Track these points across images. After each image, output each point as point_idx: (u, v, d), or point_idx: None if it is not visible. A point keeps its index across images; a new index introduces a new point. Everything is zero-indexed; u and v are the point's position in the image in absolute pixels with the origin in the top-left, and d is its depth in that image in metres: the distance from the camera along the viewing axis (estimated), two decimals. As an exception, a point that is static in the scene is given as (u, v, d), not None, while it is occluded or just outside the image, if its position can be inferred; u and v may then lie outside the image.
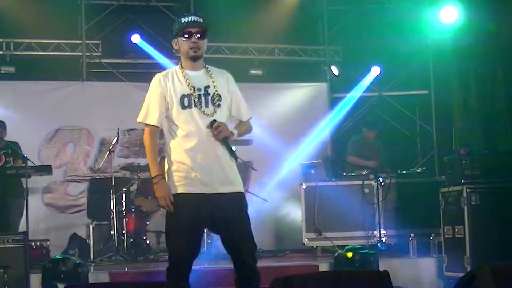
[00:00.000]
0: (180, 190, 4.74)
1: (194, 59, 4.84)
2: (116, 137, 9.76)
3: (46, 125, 10.79)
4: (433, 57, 11.73)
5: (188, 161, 4.72)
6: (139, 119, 4.89)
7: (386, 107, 12.13)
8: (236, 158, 4.84)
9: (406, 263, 8.15)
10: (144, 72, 11.86)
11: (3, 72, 11.06)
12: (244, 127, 5.05)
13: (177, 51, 4.95)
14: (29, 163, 8.90)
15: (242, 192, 4.88)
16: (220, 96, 4.83)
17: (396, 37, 11.80)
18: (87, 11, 11.38)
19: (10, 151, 9.16)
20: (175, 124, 4.78)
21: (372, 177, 9.44)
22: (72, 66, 11.49)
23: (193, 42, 4.80)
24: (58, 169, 10.54)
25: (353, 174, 9.75)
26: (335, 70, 12.00)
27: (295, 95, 11.82)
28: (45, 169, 9.40)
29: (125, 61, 11.91)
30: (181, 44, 4.86)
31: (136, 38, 11.37)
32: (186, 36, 4.81)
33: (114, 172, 9.90)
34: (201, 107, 4.75)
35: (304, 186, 9.38)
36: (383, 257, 8.14)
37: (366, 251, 7.64)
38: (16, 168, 8.98)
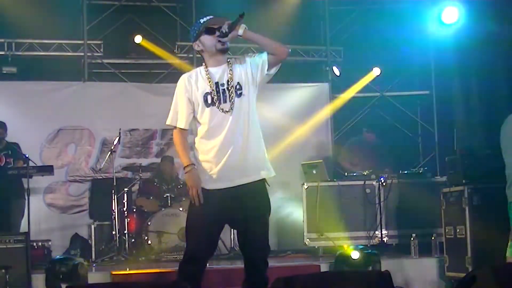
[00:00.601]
0: (206, 186, 4.79)
1: (222, 51, 4.89)
2: (118, 137, 9.77)
3: (47, 125, 10.80)
4: (434, 57, 11.72)
5: (213, 159, 4.79)
6: (168, 121, 4.97)
7: (387, 107, 12.11)
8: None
9: (407, 263, 8.14)
10: (146, 72, 11.90)
11: (4, 72, 11.05)
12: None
13: (200, 52, 4.99)
14: (31, 163, 8.94)
15: (263, 179, 4.90)
16: (240, 84, 4.86)
17: (397, 37, 11.79)
18: (88, 11, 11.38)
19: (10, 152, 9.18)
20: (199, 123, 4.85)
21: (373, 177, 9.45)
22: (73, 66, 11.49)
23: (218, 35, 4.84)
24: (59, 169, 10.54)
25: (354, 174, 9.75)
26: (336, 70, 11.99)
27: (296, 95, 11.82)
28: (47, 169, 9.42)
29: (126, 61, 11.90)
30: (206, 41, 4.89)
31: (138, 39, 11.37)
32: (211, 31, 4.86)
33: (115, 172, 9.91)
34: (220, 104, 4.79)
35: (305, 186, 9.38)
36: (385, 257, 8.14)
37: (368, 251, 7.63)
38: (18, 168, 9.00)
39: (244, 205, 4.78)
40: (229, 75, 4.86)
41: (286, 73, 12.38)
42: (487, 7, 9.67)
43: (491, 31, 9.49)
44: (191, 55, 11.63)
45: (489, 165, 7.49)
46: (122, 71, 11.58)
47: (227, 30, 4.80)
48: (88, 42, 11.35)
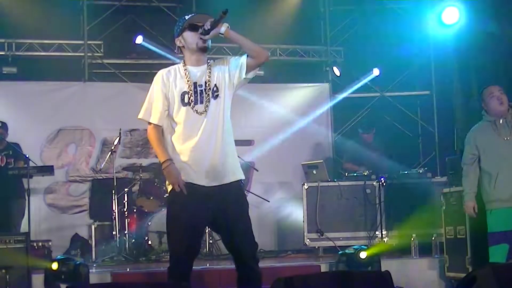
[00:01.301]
0: (186, 180, 4.74)
1: (203, 50, 4.85)
2: (118, 138, 9.76)
3: (48, 126, 10.80)
4: (435, 58, 11.73)
5: (186, 159, 4.73)
6: (140, 115, 4.91)
7: (388, 108, 12.11)
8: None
9: (407, 264, 8.15)
10: (146, 73, 11.85)
11: (5, 72, 11.05)
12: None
13: (181, 48, 4.96)
14: (31, 164, 8.94)
15: (239, 180, 4.87)
16: (217, 87, 4.82)
17: (398, 37, 11.80)
18: (89, 11, 11.38)
19: (11, 153, 9.17)
20: (175, 121, 4.79)
21: (374, 178, 9.45)
22: (74, 66, 11.48)
23: (200, 32, 4.81)
24: (60, 170, 10.56)
25: (354, 174, 9.75)
26: (336, 70, 12.00)
27: (296, 96, 11.82)
28: (47, 170, 9.42)
29: (127, 61, 11.90)
30: (188, 38, 4.87)
31: (139, 40, 11.37)
32: (193, 28, 4.83)
33: (116, 172, 9.91)
34: (195, 104, 4.75)
35: (306, 186, 9.38)
36: (385, 257, 8.14)
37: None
38: (18, 168, 9.00)
39: (224, 205, 4.74)
40: (208, 76, 4.82)
41: (286, 74, 12.47)
42: (487, 7, 9.68)
43: (491, 31, 9.50)
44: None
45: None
46: (123, 71, 11.58)
47: (209, 27, 4.74)
48: (89, 42, 11.35)
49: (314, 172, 9.61)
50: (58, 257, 7.34)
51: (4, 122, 9.36)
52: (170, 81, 4.84)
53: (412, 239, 8.46)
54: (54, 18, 11.10)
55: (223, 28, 4.79)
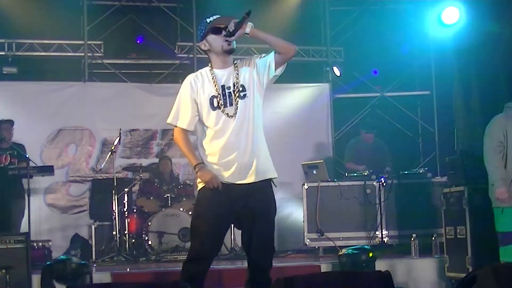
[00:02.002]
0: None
1: (228, 52, 4.87)
2: (118, 138, 9.77)
3: (48, 126, 10.80)
4: (435, 58, 11.72)
5: (216, 160, 4.78)
6: (169, 120, 4.92)
7: (388, 108, 12.12)
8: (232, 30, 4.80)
9: (407, 264, 8.14)
10: (146, 73, 11.91)
11: (5, 72, 11.07)
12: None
13: (207, 52, 4.96)
14: (31, 164, 8.95)
15: (270, 179, 4.91)
16: (243, 86, 4.84)
17: (398, 37, 11.80)
18: (89, 11, 11.37)
19: (15, 153, 9.20)
20: (206, 125, 4.82)
21: (374, 178, 9.45)
22: (74, 66, 11.49)
23: (225, 35, 4.83)
24: (60, 170, 10.56)
25: (355, 174, 9.75)
26: (337, 70, 11.99)
27: (296, 96, 11.82)
28: (47, 170, 9.43)
29: (127, 61, 11.91)
30: (212, 41, 4.87)
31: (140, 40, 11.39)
32: (217, 31, 4.85)
33: (116, 172, 9.91)
34: (225, 107, 4.77)
35: (306, 187, 9.38)
36: (385, 257, 8.14)
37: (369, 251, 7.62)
38: (18, 168, 9.01)
39: (251, 204, 4.76)
40: (235, 78, 4.84)
41: (286, 74, 12.28)
42: (488, 8, 9.66)
43: (491, 32, 9.49)
44: (191, 56, 11.63)
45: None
46: (123, 71, 11.58)
47: (233, 29, 4.75)
48: (89, 42, 11.35)
49: (314, 172, 9.61)
50: (59, 257, 7.33)
51: (11, 120, 9.38)
52: (198, 86, 4.85)
53: (412, 239, 8.45)
54: (54, 18, 11.13)
55: (248, 28, 4.83)
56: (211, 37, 4.86)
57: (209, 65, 4.93)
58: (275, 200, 4.94)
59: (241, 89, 4.82)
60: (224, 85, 4.82)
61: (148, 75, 11.80)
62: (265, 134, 5.03)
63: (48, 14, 11.04)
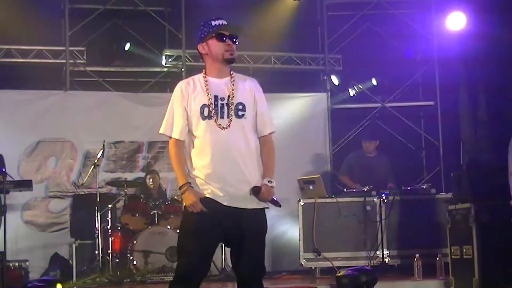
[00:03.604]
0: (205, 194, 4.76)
1: (229, 61, 4.86)
2: (102, 150, 9.74)
3: (26, 137, 10.77)
4: (439, 66, 11.74)
5: (206, 176, 4.74)
6: (162, 130, 4.90)
7: (389, 119, 12.12)
8: (277, 205, 4.92)
9: (410, 286, 8.13)
10: (131, 81, 11.89)
11: (-19, 80, 11.04)
12: (271, 156, 5.13)
13: (203, 56, 4.92)
14: (8, 178, 8.89)
15: (264, 209, 4.88)
16: (244, 105, 4.83)
17: (399, 44, 11.82)
18: (71, 15, 11.36)
19: None
20: (194, 135, 4.79)
21: (374, 194, 9.42)
22: (55, 74, 11.48)
23: (229, 44, 4.83)
24: (39, 184, 10.51)
25: (354, 190, 9.73)
26: (335, 79, 11.99)
27: (292, 106, 11.81)
28: (25, 184, 9.39)
29: (111, 69, 11.89)
30: (214, 47, 4.85)
31: (127, 46, 11.37)
32: (220, 38, 4.83)
33: (99, 187, 9.87)
34: (217, 118, 4.74)
35: (302, 203, 9.37)
36: (387, 279, 8.11)
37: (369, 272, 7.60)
38: (-7, 183, 8.95)
39: (241, 221, 4.73)
40: (231, 90, 4.83)
41: (281, 82, 12.47)
42: (494, 14, 9.70)
43: (499, 39, 9.51)
44: (180, 63, 11.61)
45: (497, 181, 7.47)
46: (107, 79, 11.55)
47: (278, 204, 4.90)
48: (70, 48, 11.33)
49: (311, 187, 9.59)
50: (40, 278, 7.28)
51: None
52: (189, 93, 4.82)
53: (415, 259, 8.43)
54: (33, 23, 11.11)
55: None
56: (213, 42, 4.84)
57: (203, 71, 4.91)
58: (266, 217, 4.90)
59: (240, 107, 4.81)
60: (217, 96, 4.80)
61: (133, 84, 11.78)
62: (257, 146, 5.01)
63: (27, 18, 11.02)
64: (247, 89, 4.89)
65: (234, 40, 4.86)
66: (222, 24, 4.87)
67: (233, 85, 4.84)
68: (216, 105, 4.77)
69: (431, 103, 12.08)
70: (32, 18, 11.05)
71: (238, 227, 4.72)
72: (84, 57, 11.52)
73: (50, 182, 10.84)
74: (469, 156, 9.62)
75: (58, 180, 10.87)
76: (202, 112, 4.76)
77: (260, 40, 11.91)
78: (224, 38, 4.83)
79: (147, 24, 11.93)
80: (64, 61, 11.30)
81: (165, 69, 11.74)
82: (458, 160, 9.27)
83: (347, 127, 12.13)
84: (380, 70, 12.02)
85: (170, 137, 4.86)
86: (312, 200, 9.35)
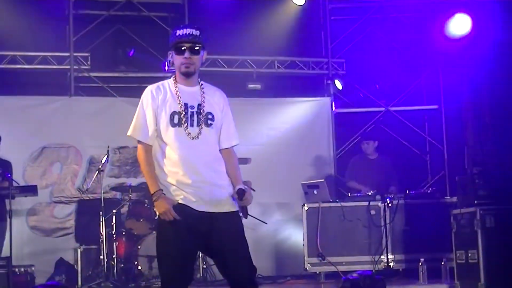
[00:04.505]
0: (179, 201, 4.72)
1: (186, 75, 4.84)
2: (106, 156, 9.72)
3: (31, 143, 10.76)
4: (443, 69, 11.72)
5: (177, 181, 4.71)
6: (130, 132, 4.88)
7: (393, 123, 12.09)
8: (246, 216, 4.88)
9: (415, 290, 8.11)
10: (136, 87, 11.82)
11: (-15, 86, 11.04)
12: (238, 168, 4.99)
13: (172, 64, 4.95)
14: (13, 183, 8.88)
15: (237, 211, 4.85)
16: (213, 115, 4.82)
17: (403, 48, 11.79)
18: (75, 21, 11.35)
19: (1, 171, 9.13)
20: (163, 141, 4.77)
21: (378, 198, 9.40)
22: (59, 80, 11.46)
23: (185, 57, 4.80)
24: (44, 190, 10.50)
25: (358, 194, 9.71)
26: (338, 84, 11.98)
27: (296, 111, 11.79)
28: (30, 190, 9.39)
29: (115, 74, 11.88)
30: (175, 58, 4.87)
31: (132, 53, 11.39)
32: (178, 50, 4.81)
33: (103, 192, 9.85)
34: (187, 127, 4.73)
35: (306, 208, 9.35)
36: (392, 283, 8.08)
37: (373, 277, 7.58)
38: (-1, 188, 8.96)
39: (217, 225, 4.71)
40: (202, 100, 4.82)
41: (284, 87, 12.45)
42: (500, 16, 9.67)
43: (503, 41, 9.48)
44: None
45: (503, 184, 7.46)
46: (111, 85, 11.54)
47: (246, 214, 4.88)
48: (75, 54, 11.32)
49: (315, 192, 9.58)
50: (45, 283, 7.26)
51: None
52: (159, 98, 4.81)
53: (420, 263, 8.42)
54: (38, 29, 11.10)
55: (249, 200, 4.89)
56: (173, 55, 4.87)
57: (174, 77, 4.91)
58: (240, 219, 4.88)
59: (209, 116, 4.80)
60: (187, 103, 4.79)
61: (138, 89, 11.64)
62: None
63: (31, 24, 11.02)
64: (215, 101, 4.89)
65: (193, 52, 4.80)
66: (183, 34, 4.82)
67: (205, 94, 4.84)
68: (186, 113, 4.76)
69: (435, 106, 12.06)
70: (36, 24, 11.05)
71: (215, 231, 4.70)
72: (89, 62, 11.52)
73: (55, 188, 10.83)
74: (474, 160, 9.60)
75: (62, 186, 10.86)
76: (172, 119, 4.74)
77: (264, 45, 11.90)
78: (183, 49, 4.79)
79: (151, 30, 11.92)
80: (68, 67, 11.29)
81: (169, 75, 11.71)
82: (463, 164, 9.27)
83: (351, 131, 12.11)
84: (384, 74, 11.99)
85: (138, 141, 4.83)
86: (316, 205, 9.33)
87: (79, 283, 9.36)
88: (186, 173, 4.69)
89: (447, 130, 11.86)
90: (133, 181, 10.92)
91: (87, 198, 10.79)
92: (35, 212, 10.66)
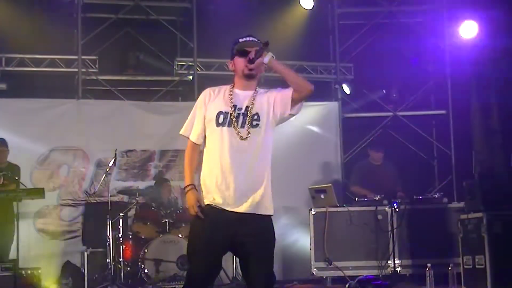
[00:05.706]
0: (208, 202, 4.80)
1: (248, 77, 4.92)
2: (114, 159, 9.72)
3: (39, 146, 10.78)
4: (451, 75, 11.71)
5: (216, 180, 4.78)
6: (182, 131, 5.00)
7: (401, 128, 12.09)
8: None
9: (422, 296, 8.10)
10: (143, 90, 11.89)
11: (-6, 89, 11.07)
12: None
13: (233, 71, 5.01)
14: (21, 186, 8.91)
15: (270, 215, 4.91)
16: (258, 115, 4.87)
17: (411, 53, 11.79)
18: (83, 24, 11.38)
19: (10, 174, 9.15)
20: (210, 141, 4.87)
21: (386, 203, 9.40)
22: (67, 83, 11.49)
23: (246, 60, 4.89)
24: (51, 193, 10.52)
25: (365, 199, 9.70)
26: (346, 88, 11.98)
27: (304, 115, 11.70)
28: (37, 193, 9.39)
29: (123, 78, 11.89)
30: (237, 62, 4.94)
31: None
32: (242, 53, 4.91)
33: (111, 196, 9.84)
34: (237, 127, 4.80)
35: (313, 212, 9.35)
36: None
37: (380, 282, 7.58)
38: (7, 191, 8.97)
39: (249, 229, 4.75)
40: (251, 103, 4.88)
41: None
42: (507, 22, 9.66)
43: (511, 48, 9.48)
44: (191, 72, 11.60)
45: (510, 190, 7.45)
46: (119, 88, 11.55)
47: (253, 56, 4.86)
48: (83, 57, 11.34)
49: (322, 196, 9.58)
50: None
51: (3, 138, 9.38)
52: (211, 100, 4.91)
53: (427, 269, 8.39)
54: (46, 32, 11.14)
55: (267, 58, 4.91)
56: (237, 59, 4.95)
57: (232, 83, 4.97)
58: (273, 226, 4.91)
59: (255, 117, 4.86)
60: (236, 105, 4.86)
61: (145, 93, 11.78)
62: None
63: (40, 27, 11.07)
64: (265, 99, 4.95)
65: (259, 54, 4.88)
66: (247, 39, 4.97)
67: (254, 98, 4.91)
68: (232, 114, 4.81)
69: (443, 112, 12.04)
70: (44, 27, 11.09)
71: (245, 233, 4.74)
72: (96, 66, 11.53)
73: (62, 191, 10.85)
74: (481, 165, 9.59)
75: (70, 189, 10.88)
76: (217, 119, 4.83)
77: (272, 49, 11.86)
78: (246, 54, 4.89)
79: (159, 33, 11.94)
80: (76, 70, 11.31)
81: (177, 78, 11.74)
82: (470, 169, 9.26)
83: (359, 136, 12.11)
84: (392, 78, 11.99)
85: (188, 139, 4.95)
86: (323, 209, 9.33)
87: (86, 286, 9.35)
88: (225, 172, 4.76)
89: (455, 135, 11.85)
90: (140, 185, 10.94)
91: (94, 201, 10.80)
92: (42, 214, 10.68)
